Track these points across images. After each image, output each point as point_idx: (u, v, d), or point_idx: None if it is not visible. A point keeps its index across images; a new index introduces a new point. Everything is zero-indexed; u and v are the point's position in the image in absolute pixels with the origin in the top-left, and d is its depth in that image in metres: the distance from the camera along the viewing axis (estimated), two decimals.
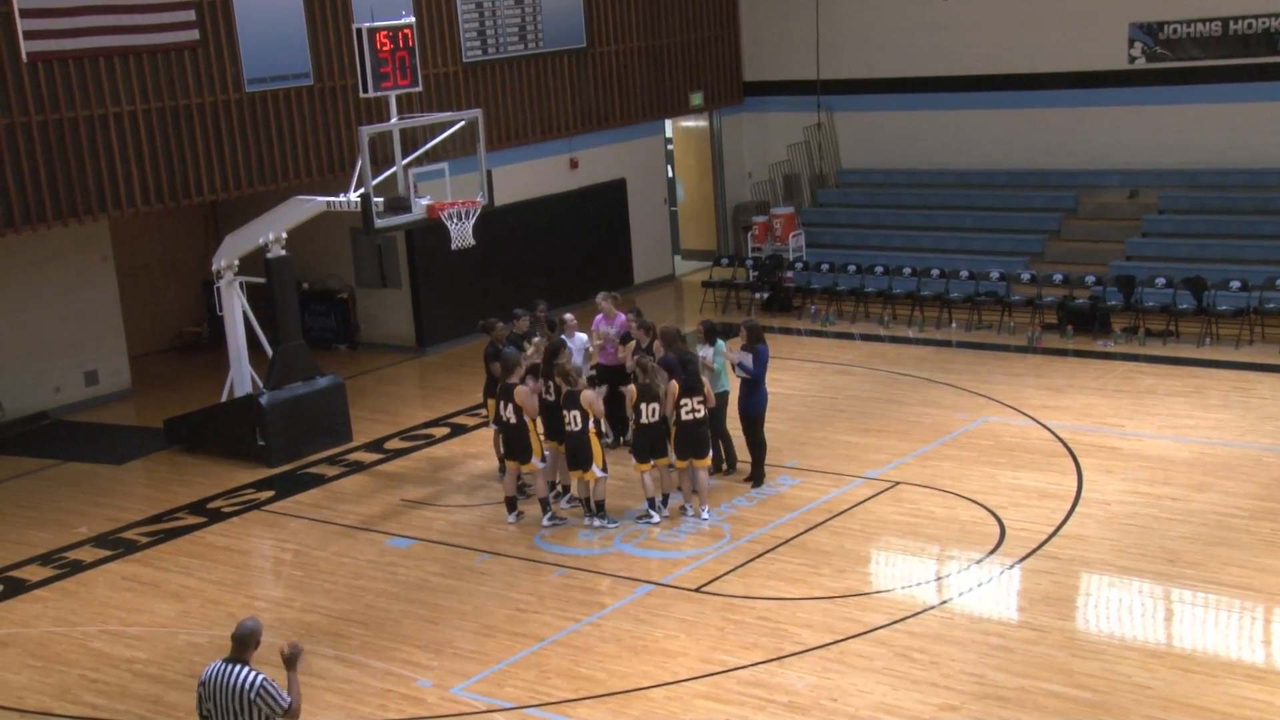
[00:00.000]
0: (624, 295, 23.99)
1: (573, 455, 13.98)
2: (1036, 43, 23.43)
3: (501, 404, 14.17)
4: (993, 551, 12.94)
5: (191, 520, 15.39)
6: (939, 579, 12.60)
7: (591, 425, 13.85)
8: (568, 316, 16.02)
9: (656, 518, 14.12)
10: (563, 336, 15.37)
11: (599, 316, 16.38)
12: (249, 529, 15.15)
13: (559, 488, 14.74)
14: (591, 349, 16.00)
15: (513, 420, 14.07)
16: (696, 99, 25.53)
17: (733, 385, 15.05)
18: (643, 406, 13.91)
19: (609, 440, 15.47)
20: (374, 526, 14.84)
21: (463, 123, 16.85)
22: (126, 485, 16.92)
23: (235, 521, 15.31)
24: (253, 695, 7.99)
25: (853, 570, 12.84)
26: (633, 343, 15.42)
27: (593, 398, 13.86)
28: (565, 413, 13.90)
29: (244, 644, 8.17)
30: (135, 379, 20.78)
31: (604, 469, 14.05)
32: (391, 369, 21.34)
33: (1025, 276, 21.48)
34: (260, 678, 8.06)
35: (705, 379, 14.16)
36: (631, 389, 13.97)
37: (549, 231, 23.25)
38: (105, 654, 12.25)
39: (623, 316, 16.07)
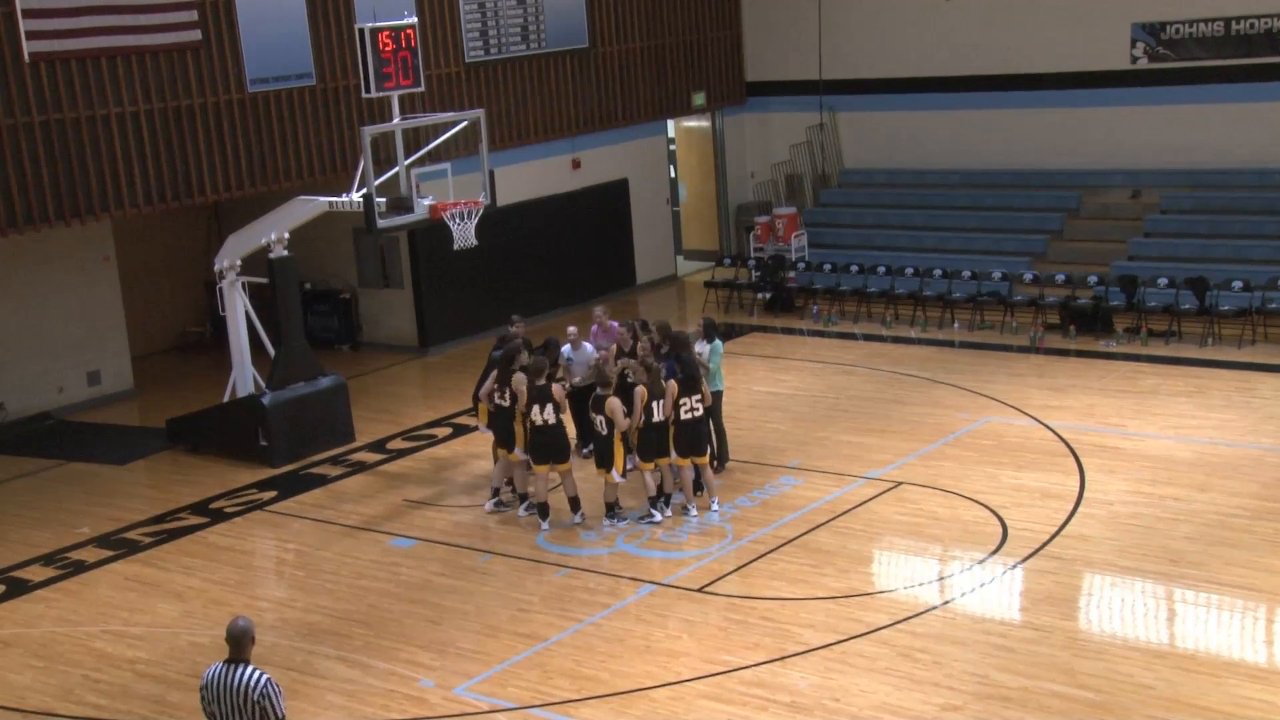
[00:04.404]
0: (626, 296, 24.15)
1: (597, 456, 14.21)
2: (1039, 43, 23.42)
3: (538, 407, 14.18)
4: (995, 552, 12.93)
5: (194, 520, 15.39)
6: (941, 579, 12.59)
7: (618, 432, 13.98)
8: (571, 329, 16.02)
9: (658, 517, 14.13)
10: (566, 348, 15.47)
11: (595, 327, 16.42)
12: (251, 529, 15.15)
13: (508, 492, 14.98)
14: (593, 362, 16.01)
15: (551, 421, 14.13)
16: (699, 99, 25.51)
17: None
18: (654, 405, 13.99)
19: (587, 452, 15.45)
20: (376, 527, 14.84)
21: (465, 123, 16.85)
22: (129, 485, 16.92)
23: (238, 522, 15.31)
24: (256, 695, 8.01)
25: (855, 570, 12.83)
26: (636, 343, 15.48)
27: (616, 405, 13.92)
28: (593, 416, 14.06)
29: (239, 643, 8.17)
30: (138, 379, 20.78)
31: (623, 474, 14.18)
32: (394, 369, 21.34)
33: (1028, 276, 21.48)
34: (265, 679, 8.07)
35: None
36: (642, 390, 14.02)
37: (551, 232, 23.25)
38: (107, 654, 12.25)
39: (615, 324, 16.16)
